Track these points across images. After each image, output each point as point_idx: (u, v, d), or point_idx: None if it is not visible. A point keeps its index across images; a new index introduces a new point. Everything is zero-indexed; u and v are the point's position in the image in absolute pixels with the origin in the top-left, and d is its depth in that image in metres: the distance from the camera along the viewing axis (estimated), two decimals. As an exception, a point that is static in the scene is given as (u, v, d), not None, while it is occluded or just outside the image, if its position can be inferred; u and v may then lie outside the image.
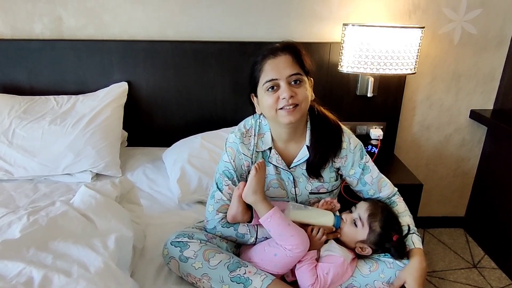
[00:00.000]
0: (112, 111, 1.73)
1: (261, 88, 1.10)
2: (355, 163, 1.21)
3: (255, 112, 1.22)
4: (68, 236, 0.93)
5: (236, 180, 1.19)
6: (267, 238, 1.15)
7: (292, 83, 1.08)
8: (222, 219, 1.17)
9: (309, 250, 1.10)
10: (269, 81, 1.07)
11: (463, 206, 2.28)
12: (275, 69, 1.07)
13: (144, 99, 1.89)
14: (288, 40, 1.13)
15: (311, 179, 1.21)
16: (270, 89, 1.08)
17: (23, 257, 0.85)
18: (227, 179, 1.18)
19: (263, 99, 1.10)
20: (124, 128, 1.83)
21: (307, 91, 1.10)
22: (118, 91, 1.80)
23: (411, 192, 1.69)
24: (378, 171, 1.25)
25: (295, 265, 1.09)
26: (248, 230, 1.17)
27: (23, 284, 0.79)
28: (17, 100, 1.74)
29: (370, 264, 1.12)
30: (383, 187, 1.23)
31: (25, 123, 1.64)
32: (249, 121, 1.23)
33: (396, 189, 1.28)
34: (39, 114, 1.68)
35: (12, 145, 1.60)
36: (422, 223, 2.27)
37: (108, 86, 1.83)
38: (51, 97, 1.78)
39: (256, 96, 1.16)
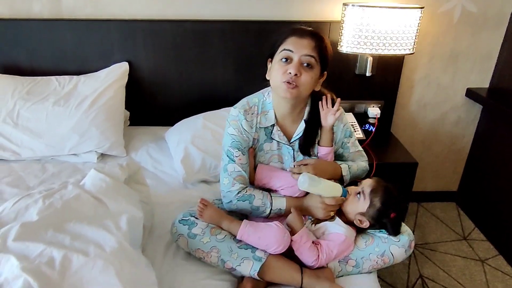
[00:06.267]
0: (114, 91, 1.75)
1: (277, 55, 1.16)
2: (339, 140, 1.33)
3: (264, 87, 1.29)
4: (82, 218, 0.99)
5: (246, 150, 1.25)
6: (280, 210, 1.22)
7: (304, 64, 1.13)
8: (239, 192, 1.22)
9: (318, 217, 1.21)
10: (286, 50, 1.14)
11: (456, 181, 2.36)
12: (295, 45, 1.14)
13: (145, 78, 1.90)
14: (317, 31, 1.19)
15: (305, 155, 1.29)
16: (283, 60, 1.14)
17: (42, 239, 0.90)
18: (236, 150, 1.23)
19: (275, 66, 1.17)
20: (126, 107, 1.85)
21: (312, 79, 1.15)
22: (119, 72, 1.81)
23: (406, 170, 1.76)
24: (357, 148, 1.37)
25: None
26: (263, 203, 1.22)
27: (45, 263, 0.85)
28: (20, 81, 1.75)
29: (366, 239, 1.20)
30: (356, 160, 1.37)
31: (29, 104, 1.67)
32: (252, 99, 1.28)
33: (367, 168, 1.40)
34: (42, 95, 1.71)
35: (18, 126, 1.63)
36: (416, 197, 2.36)
37: (108, 66, 1.84)
38: (53, 77, 1.79)
39: (271, 61, 1.21)
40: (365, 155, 1.39)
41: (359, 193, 1.20)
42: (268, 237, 1.10)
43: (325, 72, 1.22)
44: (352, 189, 1.22)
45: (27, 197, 1.05)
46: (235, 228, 1.14)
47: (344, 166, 1.30)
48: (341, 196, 1.19)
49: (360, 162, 1.36)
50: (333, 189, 1.19)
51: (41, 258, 0.86)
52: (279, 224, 1.13)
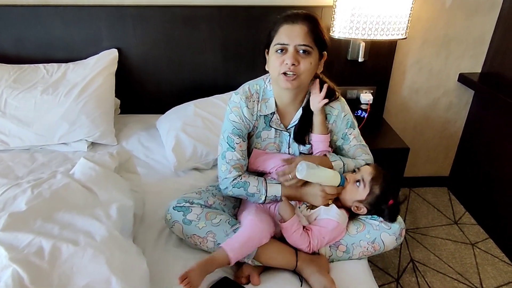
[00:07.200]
0: (104, 79, 1.72)
1: (272, 48, 1.15)
2: (339, 131, 1.29)
3: (254, 72, 1.28)
4: (71, 207, 0.98)
5: (246, 137, 1.26)
6: (276, 197, 1.22)
7: (300, 52, 1.12)
8: (234, 179, 1.22)
9: (316, 205, 1.21)
10: (280, 44, 1.12)
11: (448, 166, 2.37)
12: (288, 35, 1.12)
13: (135, 65, 1.87)
14: (310, 12, 1.16)
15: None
16: (279, 51, 1.13)
17: (31, 228, 0.90)
18: (237, 137, 1.23)
19: (271, 58, 1.16)
20: (116, 95, 1.82)
21: (311, 64, 1.14)
22: (108, 59, 1.78)
23: (398, 156, 1.76)
24: (361, 142, 1.32)
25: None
26: (258, 190, 1.22)
27: (34, 253, 0.84)
28: (6, 69, 1.72)
29: (357, 225, 1.20)
30: (358, 157, 1.31)
31: (17, 92, 1.63)
32: (253, 86, 1.27)
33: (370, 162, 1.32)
34: (30, 83, 1.67)
35: (6, 115, 1.60)
36: (408, 183, 2.37)
37: (97, 53, 1.80)
38: (41, 65, 1.76)
39: (268, 52, 1.20)
40: (369, 152, 1.32)
41: (358, 180, 1.20)
42: (255, 238, 1.09)
43: (325, 52, 1.20)
44: (350, 176, 1.22)
45: (15, 186, 1.04)
46: (221, 258, 1.05)
47: (337, 163, 1.25)
48: (339, 185, 1.18)
49: (360, 160, 1.29)
50: (332, 177, 1.18)
51: (30, 248, 0.86)
52: (254, 217, 1.12)
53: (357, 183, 1.19)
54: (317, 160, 1.22)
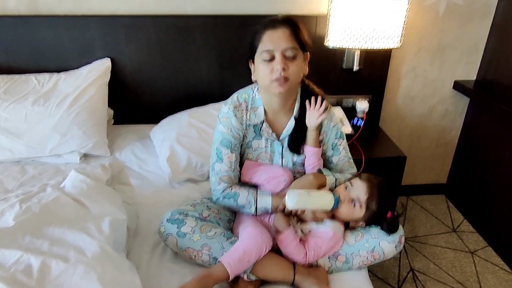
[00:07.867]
0: (96, 89, 1.70)
1: (258, 57, 1.15)
2: (329, 140, 1.28)
3: (249, 81, 1.26)
4: (62, 222, 0.95)
5: (237, 147, 1.24)
6: (267, 208, 1.20)
7: (287, 55, 1.12)
8: (224, 190, 1.22)
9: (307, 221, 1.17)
10: (266, 51, 1.12)
11: (445, 174, 2.36)
12: (272, 41, 1.11)
13: (128, 75, 1.85)
14: (288, 15, 1.17)
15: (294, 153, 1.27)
16: (266, 59, 1.12)
17: (19, 245, 0.86)
18: (225, 148, 1.22)
19: (259, 68, 1.15)
20: (109, 105, 1.80)
21: (298, 67, 1.14)
22: (101, 68, 1.75)
23: (395, 164, 1.75)
24: (349, 156, 1.32)
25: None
26: (248, 201, 1.20)
27: (22, 271, 0.81)
28: (-4, 80, 1.69)
29: (355, 235, 1.18)
30: (345, 171, 1.30)
31: (7, 104, 1.60)
32: (242, 95, 1.26)
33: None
34: (20, 94, 1.64)
35: (-5, 127, 1.57)
36: (405, 191, 2.36)
37: (90, 63, 1.78)
38: (32, 75, 1.73)
39: (253, 62, 1.19)
40: (354, 166, 1.33)
41: (353, 200, 1.16)
42: (254, 251, 1.05)
43: (307, 53, 1.19)
44: (344, 195, 1.17)
45: (3, 201, 1.01)
46: (219, 273, 1.02)
47: (330, 179, 1.24)
48: (333, 207, 1.14)
49: (347, 174, 1.29)
50: (325, 202, 1.13)
51: (17, 266, 0.82)
52: (252, 229, 1.09)
53: (352, 204, 1.16)
54: (310, 181, 1.20)
